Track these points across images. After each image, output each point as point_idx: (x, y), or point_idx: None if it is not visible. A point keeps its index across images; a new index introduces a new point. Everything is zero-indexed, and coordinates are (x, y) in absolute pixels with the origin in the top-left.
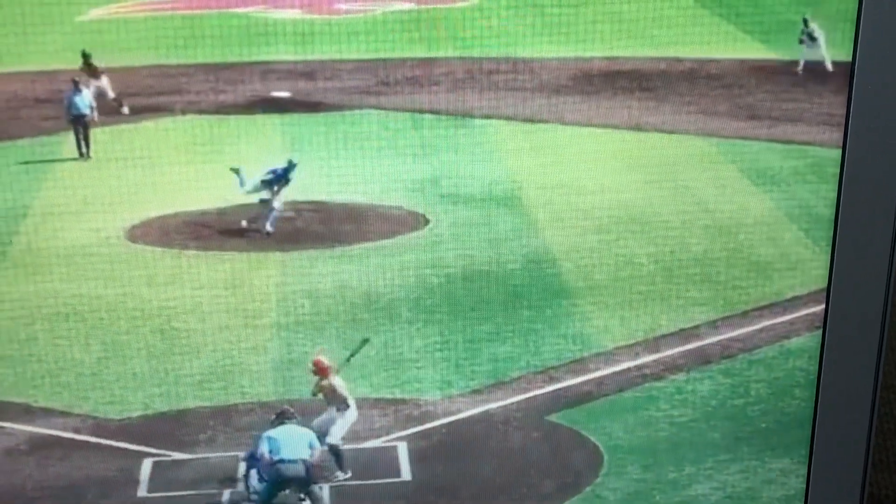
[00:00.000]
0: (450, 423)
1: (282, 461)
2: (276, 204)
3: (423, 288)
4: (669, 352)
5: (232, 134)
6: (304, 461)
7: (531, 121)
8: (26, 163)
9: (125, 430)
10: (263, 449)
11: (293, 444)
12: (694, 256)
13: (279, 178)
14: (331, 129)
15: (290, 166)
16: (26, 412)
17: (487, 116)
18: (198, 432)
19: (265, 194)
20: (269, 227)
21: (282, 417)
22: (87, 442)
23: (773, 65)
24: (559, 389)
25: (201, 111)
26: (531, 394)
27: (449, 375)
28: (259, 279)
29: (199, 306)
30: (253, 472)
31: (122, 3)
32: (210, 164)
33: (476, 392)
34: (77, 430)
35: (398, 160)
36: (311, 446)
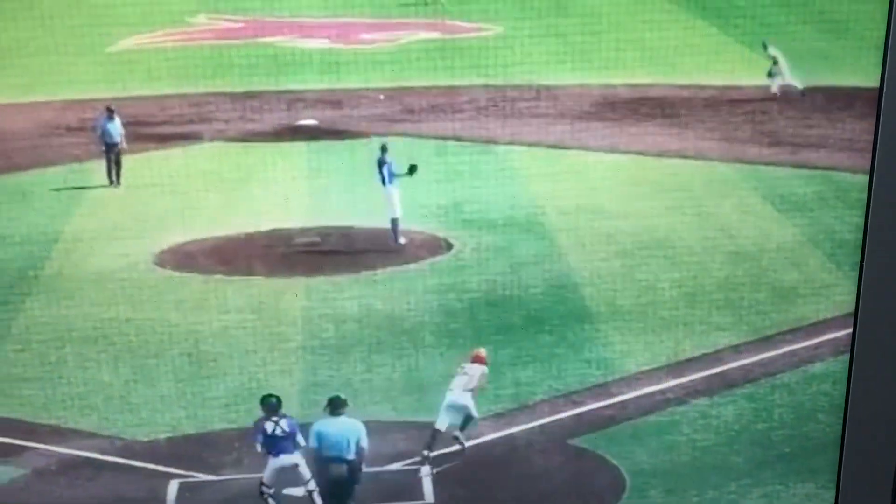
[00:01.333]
0: (473, 447)
1: (327, 458)
2: (398, 212)
3: (446, 312)
4: (692, 376)
5: (259, 160)
6: (347, 462)
7: (554, 147)
8: (58, 189)
9: (152, 451)
10: (313, 443)
11: (339, 440)
12: (717, 282)
13: (384, 165)
14: (356, 155)
15: (384, 149)
16: (56, 433)
17: (511, 143)
18: (223, 454)
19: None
20: (401, 240)
21: (334, 407)
22: (115, 463)
23: (796, 91)
24: (582, 413)
25: (229, 139)
26: (554, 417)
27: None
28: (285, 303)
29: (226, 330)
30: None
31: (151, 34)
32: (237, 189)
33: (499, 416)
34: (105, 451)
35: (422, 186)
36: (357, 445)
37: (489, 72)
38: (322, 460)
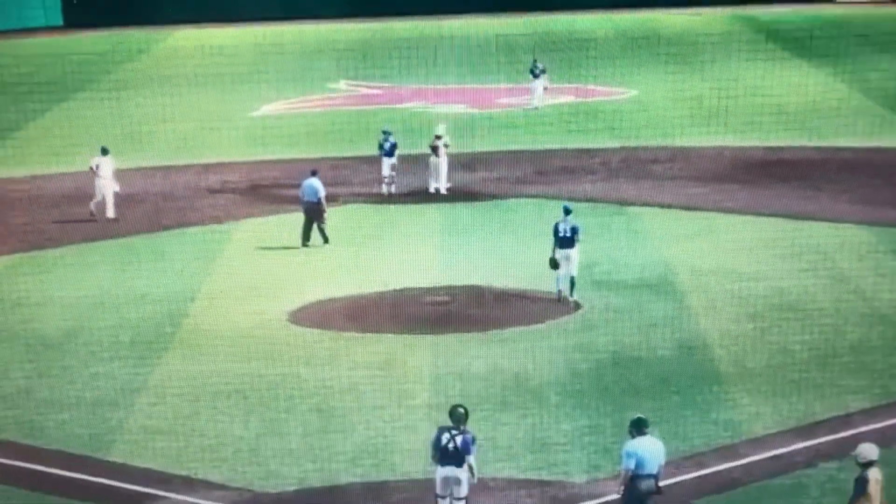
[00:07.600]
0: None
1: (639, 476)
2: (574, 272)
3: (572, 372)
4: (822, 439)
5: (392, 221)
6: (654, 476)
7: (687, 208)
8: (197, 249)
9: (280, 503)
10: (630, 465)
11: (650, 459)
12: (850, 344)
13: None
14: (487, 216)
15: (567, 211)
16: (187, 484)
17: (643, 204)
18: None
19: None
20: (574, 297)
21: (640, 426)
22: None
23: None
24: (707, 475)
25: (365, 200)
26: (679, 479)
27: (597, 459)
28: (413, 360)
29: (355, 386)
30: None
31: (293, 99)
32: (370, 249)
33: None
34: (234, 503)
35: (551, 247)
36: (660, 461)
37: (623, 134)
38: (636, 478)
